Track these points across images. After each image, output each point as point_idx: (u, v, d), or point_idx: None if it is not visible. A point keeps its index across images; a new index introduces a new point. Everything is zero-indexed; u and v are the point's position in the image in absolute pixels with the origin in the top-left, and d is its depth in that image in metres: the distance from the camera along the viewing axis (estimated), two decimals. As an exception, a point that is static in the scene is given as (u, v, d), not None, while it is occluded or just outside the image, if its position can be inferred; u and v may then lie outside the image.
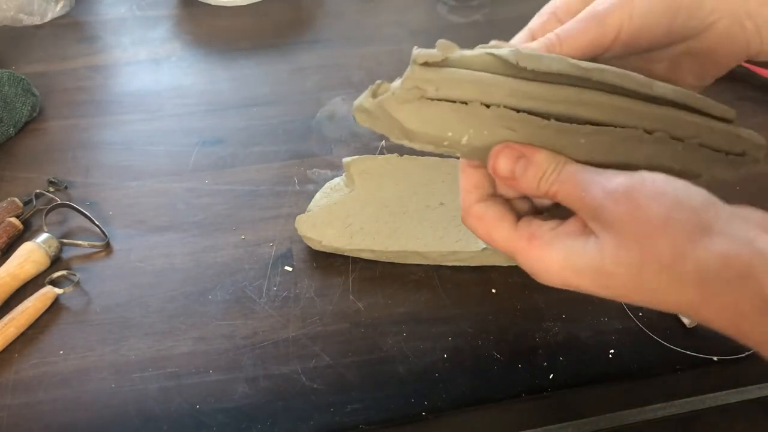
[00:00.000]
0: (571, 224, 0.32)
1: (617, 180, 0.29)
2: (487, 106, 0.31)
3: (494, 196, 0.35)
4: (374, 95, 0.35)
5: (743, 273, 0.27)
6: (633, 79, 0.33)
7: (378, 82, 0.35)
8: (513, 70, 0.32)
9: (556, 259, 0.31)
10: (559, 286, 0.32)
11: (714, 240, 0.28)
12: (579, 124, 0.32)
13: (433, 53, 0.32)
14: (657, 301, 0.30)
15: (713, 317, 0.29)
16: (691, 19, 0.35)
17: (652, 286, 0.29)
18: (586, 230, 0.31)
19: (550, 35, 0.35)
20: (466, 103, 0.32)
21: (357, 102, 0.36)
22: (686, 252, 0.28)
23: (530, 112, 0.32)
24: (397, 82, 0.34)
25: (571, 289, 0.32)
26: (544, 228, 0.32)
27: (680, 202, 0.29)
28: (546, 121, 0.32)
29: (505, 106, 0.31)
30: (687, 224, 0.28)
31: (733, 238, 0.28)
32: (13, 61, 0.77)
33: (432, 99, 0.32)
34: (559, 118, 0.32)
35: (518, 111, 0.31)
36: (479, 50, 0.34)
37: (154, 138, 0.67)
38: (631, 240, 0.29)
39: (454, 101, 0.32)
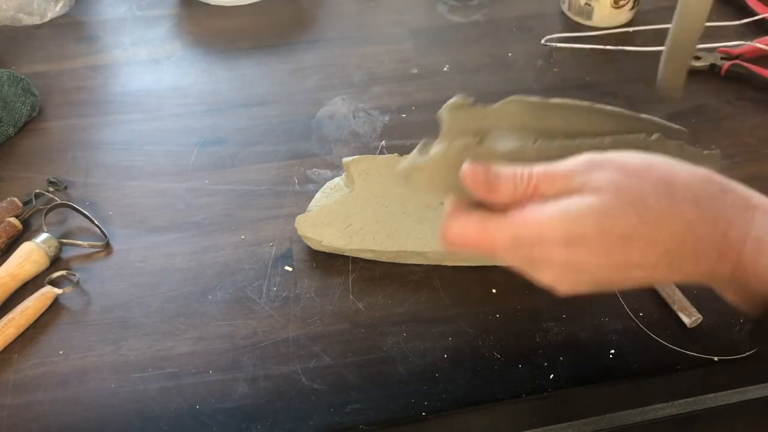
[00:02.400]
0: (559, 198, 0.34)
1: (589, 155, 0.34)
2: None
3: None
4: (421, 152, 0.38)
5: (724, 187, 0.33)
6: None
7: (423, 141, 0.39)
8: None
9: (555, 212, 0.33)
10: (560, 247, 0.33)
11: (694, 171, 0.33)
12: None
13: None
14: (660, 231, 0.32)
15: (708, 231, 0.32)
16: None
17: (654, 217, 0.32)
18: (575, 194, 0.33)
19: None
20: None
21: (407, 165, 0.39)
22: (675, 180, 0.33)
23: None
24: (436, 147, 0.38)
25: (571, 247, 0.32)
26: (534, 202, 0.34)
27: (650, 157, 0.34)
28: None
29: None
30: (666, 166, 0.33)
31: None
32: (13, 61, 0.76)
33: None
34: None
35: None
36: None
37: (154, 138, 0.67)
38: (627, 184, 0.32)
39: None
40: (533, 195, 0.34)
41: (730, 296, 0.35)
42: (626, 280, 0.34)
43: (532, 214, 0.33)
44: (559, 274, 0.34)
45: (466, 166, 0.35)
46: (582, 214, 0.32)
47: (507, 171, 0.35)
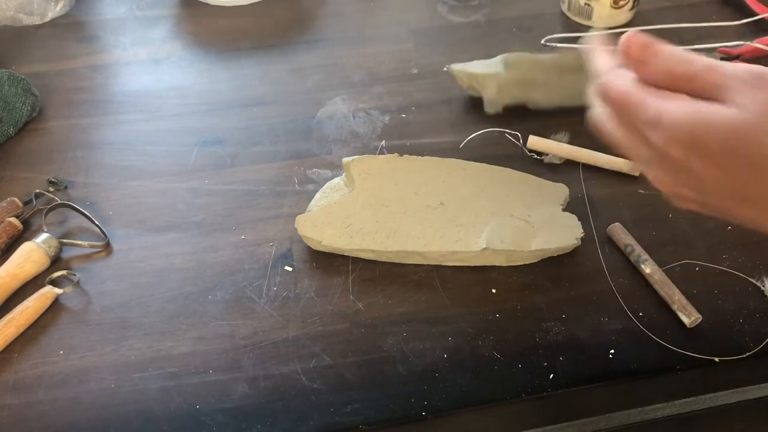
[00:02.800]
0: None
1: (760, 68, 0.31)
2: None
3: None
4: None
5: None
6: None
7: None
8: None
9: (688, 108, 0.31)
10: (678, 146, 0.31)
11: None
12: None
13: None
14: None
15: None
16: None
17: None
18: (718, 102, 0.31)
19: None
20: None
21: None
22: None
23: None
24: None
25: (694, 152, 0.31)
26: (681, 95, 0.32)
27: None
28: None
29: None
30: None
31: None
32: (13, 61, 0.76)
33: None
34: None
35: None
36: None
37: (154, 138, 0.67)
38: None
39: None
40: (687, 84, 0.32)
41: None
42: (738, 214, 0.32)
43: (672, 103, 0.31)
44: (671, 176, 0.33)
45: (627, 34, 0.33)
46: (714, 125, 0.30)
47: (668, 49, 0.32)
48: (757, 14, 0.79)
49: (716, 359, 0.49)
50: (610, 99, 0.34)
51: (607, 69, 0.35)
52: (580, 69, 0.65)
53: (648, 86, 0.33)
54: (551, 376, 0.48)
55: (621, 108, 0.34)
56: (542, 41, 0.77)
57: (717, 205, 0.33)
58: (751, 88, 0.30)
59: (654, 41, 0.33)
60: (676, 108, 0.31)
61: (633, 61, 0.33)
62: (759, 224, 0.33)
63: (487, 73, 0.66)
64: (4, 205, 0.58)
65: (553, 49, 0.76)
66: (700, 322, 0.50)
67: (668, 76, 0.32)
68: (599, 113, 0.37)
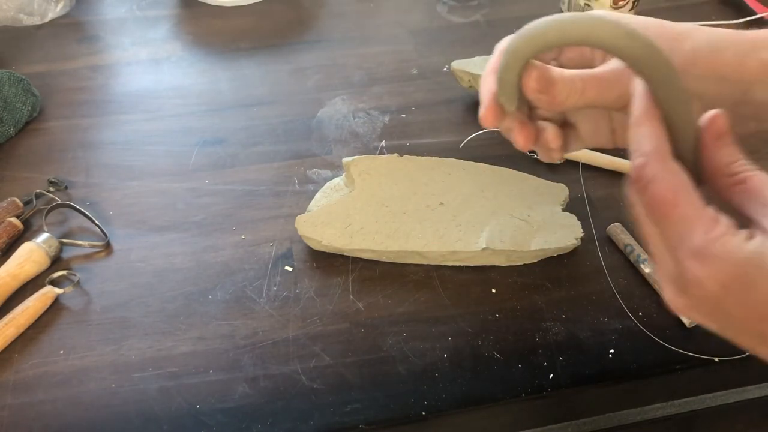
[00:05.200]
0: (752, 231, 0.29)
1: None
2: None
3: None
4: None
5: None
6: None
7: None
8: None
9: (743, 246, 0.28)
10: (719, 284, 0.28)
11: None
12: None
13: None
14: None
15: None
16: None
17: None
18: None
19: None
20: None
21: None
22: None
23: None
24: None
25: (731, 292, 0.28)
26: (730, 222, 0.29)
27: None
28: None
29: None
30: None
31: None
32: (14, 61, 0.77)
33: None
34: None
35: None
36: None
37: (154, 138, 0.67)
38: None
39: None
40: (738, 185, 0.30)
41: None
42: (759, 352, 0.30)
43: (721, 232, 0.28)
44: (694, 304, 0.30)
45: (714, 113, 0.31)
46: (764, 267, 0.27)
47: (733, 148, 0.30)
48: (756, 14, 0.79)
49: (716, 359, 0.49)
50: (648, 198, 0.30)
51: (655, 148, 0.30)
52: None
53: (698, 194, 0.29)
54: (551, 376, 0.48)
55: (661, 215, 0.30)
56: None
57: (735, 339, 0.30)
58: None
59: (728, 131, 0.31)
60: (729, 243, 0.28)
61: (710, 136, 0.31)
62: None
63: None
64: (5, 205, 0.58)
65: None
66: (700, 322, 0.50)
67: (720, 172, 0.31)
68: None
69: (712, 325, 0.31)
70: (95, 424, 0.47)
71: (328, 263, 0.55)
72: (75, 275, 0.54)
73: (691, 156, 0.32)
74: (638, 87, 0.32)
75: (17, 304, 0.51)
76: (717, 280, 0.28)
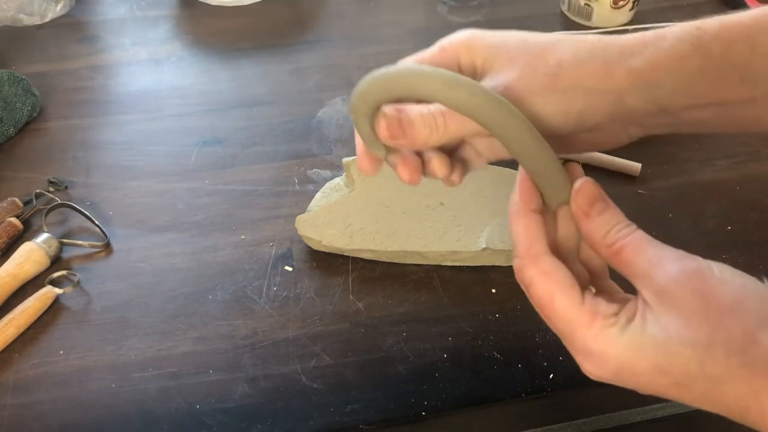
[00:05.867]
0: (631, 308, 0.30)
1: (686, 261, 0.29)
2: None
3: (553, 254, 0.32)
4: None
5: None
6: None
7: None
8: None
9: (618, 339, 0.29)
10: (609, 375, 0.30)
11: None
12: None
13: None
14: (716, 393, 0.28)
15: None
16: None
17: (718, 372, 0.27)
18: (647, 313, 0.29)
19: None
20: None
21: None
22: (758, 338, 0.27)
23: None
24: None
25: (621, 379, 0.30)
26: (608, 311, 0.30)
27: (749, 289, 0.28)
28: None
29: None
30: (758, 311, 0.27)
31: None
32: (13, 61, 0.77)
33: None
34: None
35: None
36: None
37: (154, 138, 0.67)
38: (700, 320, 0.28)
39: None
40: (615, 255, 0.31)
41: None
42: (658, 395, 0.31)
43: (598, 331, 0.29)
44: (601, 378, 0.31)
45: (583, 181, 0.32)
46: (642, 351, 0.28)
47: (615, 214, 0.31)
48: (757, 14, 0.79)
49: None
50: (531, 296, 0.32)
51: (529, 249, 0.32)
52: None
53: (574, 290, 0.30)
54: (551, 376, 0.48)
55: (544, 313, 0.32)
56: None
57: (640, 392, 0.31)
58: (672, 294, 0.28)
59: (604, 198, 0.32)
60: (606, 338, 0.29)
61: (578, 210, 0.32)
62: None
63: None
64: (5, 205, 0.58)
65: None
66: (700, 322, 0.50)
67: (598, 244, 0.31)
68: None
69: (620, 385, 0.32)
70: (95, 424, 0.47)
71: (328, 263, 0.55)
72: (75, 275, 0.54)
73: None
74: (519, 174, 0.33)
75: (17, 304, 0.51)
76: (606, 371, 0.30)
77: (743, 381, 0.27)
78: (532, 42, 0.35)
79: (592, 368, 0.30)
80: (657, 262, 0.29)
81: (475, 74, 0.36)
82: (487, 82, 0.34)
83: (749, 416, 0.28)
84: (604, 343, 0.29)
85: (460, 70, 0.36)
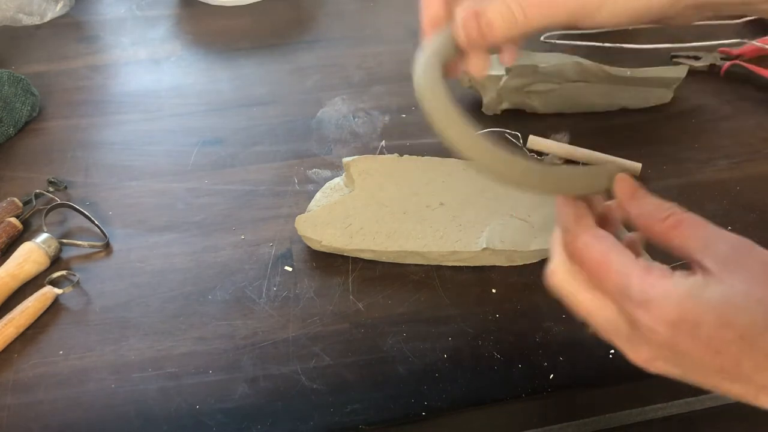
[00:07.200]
0: (688, 273, 0.30)
1: (737, 236, 0.31)
2: None
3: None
4: None
5: None
6: None
7: None
8: None
9: (680, 285, 0.29)
10: (666, 328, 0.29)
11: None
12: None
13: None
14: None
15: None
16: None
17: None
18: (709, 276, 0.29)
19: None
20: None
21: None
22: None
23: None
24: None
25: (679, 333, 0.29)
26: (663, 266, 0.31)
27: None
28: None
29: None
30: None
31: None
32: (13, 61, 0.77)
33: None
34: None
35: None
36: None
37: (154, 138, 0.67)
38: (765, 281, 0.29)
39: None
40: (672, 229, 0.31)
41: None
42: (724, 389, 0.31)
43: (656, 279, 0.30)
44: (653, 352, 0.31)
45: (620, 175, 0.34)
46: (708, 303, 0.28)
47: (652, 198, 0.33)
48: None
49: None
50: (584, 264, 0.32)
51: (579, 222, 0.33)
52: (580, 78, 0.66)
53: (627, 251, 0.31)
54: (551, 376, 0.48)
55: (598, 276, 0.32)
56: (542, 38, 0.77)
57: (700, 381, 0.31)
58: (741, 259, 0.30)
59: (638, 187, 0.33)
60: (665, 285, 0.29)
61: (621, 199, 0.33)
62: (745, 399, 0.32)
63: (488, 74, 0.66)
64: (4, 205, 0.58)
65: (554, 46, 0.76)
66: (700, 322, 0.50)
67: (653, 219, 0.32)
68: (559, 269, 0.35)
69: (676, 371, 0.32)
70: (95, 424, 0.46)
71: (328, 263, 0.55)
72: (74, 275, 0.54)
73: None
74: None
75: (17, 304, 0.51)
76: (665, 321, 0.29)
77: None
78: None
79: (651, 317, 0.29)
80: (717, 234, 0.30)
81: None
82: None
83: None
84: (667, 287, 0.29)
85: None
